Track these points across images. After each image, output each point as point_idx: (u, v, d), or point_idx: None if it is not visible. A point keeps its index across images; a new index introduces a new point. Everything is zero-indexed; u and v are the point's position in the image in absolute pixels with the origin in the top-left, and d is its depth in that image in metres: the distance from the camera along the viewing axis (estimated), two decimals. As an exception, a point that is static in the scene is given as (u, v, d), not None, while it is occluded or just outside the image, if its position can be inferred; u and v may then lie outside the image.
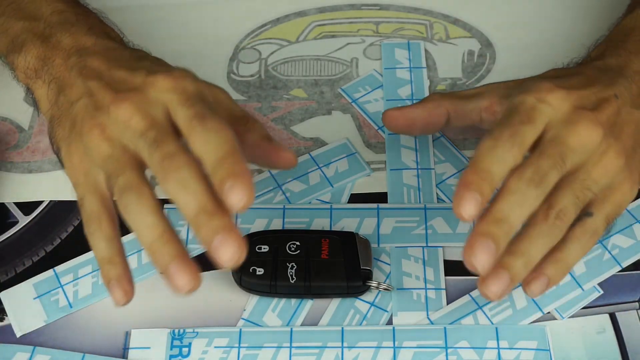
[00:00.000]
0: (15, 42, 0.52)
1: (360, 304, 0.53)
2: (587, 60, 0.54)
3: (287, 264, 0.52)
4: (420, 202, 0.57)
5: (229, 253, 0.41)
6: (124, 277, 0.46)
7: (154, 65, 0.48)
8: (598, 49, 0.54)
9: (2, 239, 0.57)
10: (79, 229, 0.55)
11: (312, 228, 0.56)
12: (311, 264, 0.52)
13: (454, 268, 0.54)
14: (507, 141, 0.44)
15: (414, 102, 0.62)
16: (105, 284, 0.46)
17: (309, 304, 0.53)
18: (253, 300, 0.53)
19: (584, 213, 0.47)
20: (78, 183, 0.47)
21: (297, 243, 0.53)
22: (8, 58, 0.53)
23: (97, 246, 0.46)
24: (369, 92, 0.64)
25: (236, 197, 0.41)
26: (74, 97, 0.48)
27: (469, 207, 0.42)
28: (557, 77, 0.50)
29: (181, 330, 0.52)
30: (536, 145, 0.46)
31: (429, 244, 0.55)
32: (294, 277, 0.52)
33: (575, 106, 0.46)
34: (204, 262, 0.55)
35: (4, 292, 0.54)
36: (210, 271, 0.54)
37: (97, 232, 0.46)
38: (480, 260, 0.42)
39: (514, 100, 0.47)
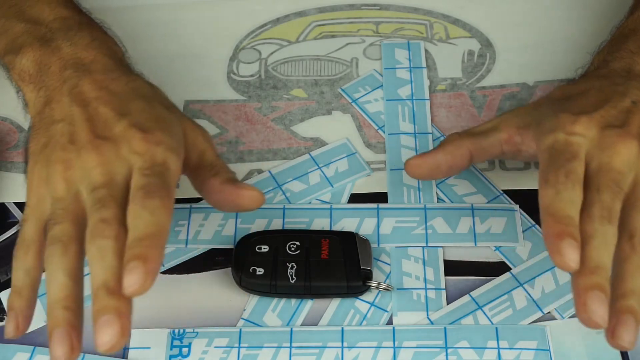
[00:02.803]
0: (14, 43, 0.52)
1: (360, 304, 0.53)
2: (591, 70, 0.54)
3: (287, 264, 0.52)
4: (420, 202, 0.57)
5: (108, 336, 0.40)
6: (23, 312, 0.45)
7: (141, 112, 0.47)
8: (600, 55, 0.54)
9: (2, 239, 0.57)
10: (79, 229, 0.55)
11: (312, 228, 0.56)
12: (311, 264, 0.52)
13: (454, 268, 0.54)
14: (568, 182, 0.44)
15: (414, 102, 0.62)
16: (6, 310, 0.46)
17: (309, 304, 0.53)
18: (253, 300, 0.53)
19: None
20: (28, 204, 0.47)
21: (297, 243, 0.53)
22: (5, 58, 0.52)
23: (15, 273, 0.46)
24: (369, 92, 0.64)
25: (131, 279, 0.40)
26: (56, 116, 0.48)
27: (572, 254, 0.42)
28: (567, 98, 0.50)
29: (181, 330, 0.52)
30: (585, 180, 0.45)
31: (429, 244, 0.55)
32: (294, 277, 0.52)
33: (602, 127, 0.46)
34: (203, 262, 0.55)
35: (4, 292, 0.54)
36: (210, 271, 0.54)
37: (21, 260, 0.46)
38: (599, 313, 0.41)
39: (545, 142, 0.47)
